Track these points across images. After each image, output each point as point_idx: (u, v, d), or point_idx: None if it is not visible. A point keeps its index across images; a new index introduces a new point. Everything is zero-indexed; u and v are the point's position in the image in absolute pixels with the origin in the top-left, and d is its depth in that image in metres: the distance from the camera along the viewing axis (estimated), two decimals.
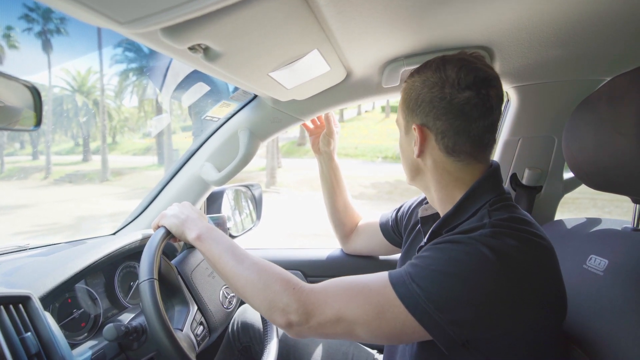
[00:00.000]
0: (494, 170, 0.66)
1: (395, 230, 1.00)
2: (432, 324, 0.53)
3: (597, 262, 0.68)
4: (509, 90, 1.00)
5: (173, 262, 0.87)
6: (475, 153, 0.65)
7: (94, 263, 0.79)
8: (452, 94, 0.61)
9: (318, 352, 0.99)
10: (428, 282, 0.54)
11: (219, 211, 1.20)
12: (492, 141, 0.66)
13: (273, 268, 0.66)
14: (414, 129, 0.66)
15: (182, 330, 0.75)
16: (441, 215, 0.70)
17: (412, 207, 0.94)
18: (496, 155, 1.10)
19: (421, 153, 0.67)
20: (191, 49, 0.54)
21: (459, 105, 0.61)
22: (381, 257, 1.20)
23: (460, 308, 0.52)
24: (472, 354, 0.56)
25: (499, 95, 0.64)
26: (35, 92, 0.53)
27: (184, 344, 0.66)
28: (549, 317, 0.56)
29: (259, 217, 1.34)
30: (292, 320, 0.60)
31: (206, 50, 0.56)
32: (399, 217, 0.98)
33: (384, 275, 0.60)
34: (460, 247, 0.55)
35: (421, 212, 0.80)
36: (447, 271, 0.54)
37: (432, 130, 0.65)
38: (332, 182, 1.12)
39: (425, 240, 0.68)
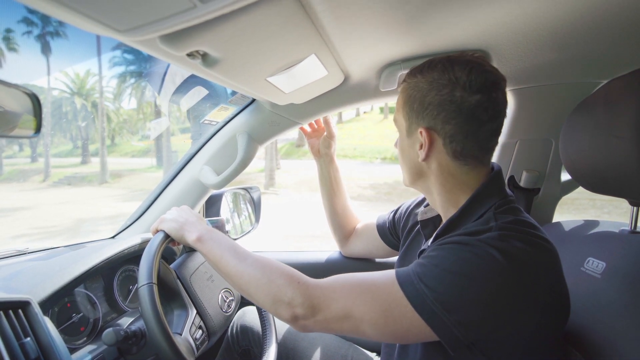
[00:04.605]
0: (497, 174, 0.66)
1: (392, 232, 1.00)
2: (439, 324, 0.53)
3: (594, 265, 0.68)
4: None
5: (172, 266, 0.87)
6: (481, 156, 0.64)
7: (93, 267, 0.79)
8: (463, 97, 0.60)
9: (317, 355, 0.99)
10: (436, 282, 0.54)
11: (217, 214, 1.20)
12: (496, 144, 0.66)
13: (276, 264, 0.65)
14: (420, 132, 0.64)
15: (181, 335, 0.76)
16: (444, 218, 0.70)
17: (410, 208, 0.93)
18: (494, 158, 1.10)
19: (427, 157, 0.65)
20: (189, 55, 0.54)
21: (470, 109, 0.60)
22: (378, 260, 1.20)
23: (468, 308, 0.52)
24: (475, 356, 0.56)
25: (506, 98, 0.64)
26: (34, 99, 0.54)
27: (183, 348, 0.66)
28: (553, 320, 0.56)
29: (257, 219, 1.34)
30: (298, 314, 0.59)
31: (204, 57, 0.56)
32: (396, 219, 0.98)
33: (390, 273, 0.59)
34: (469, 249, 0.55)
35: (420, 216, 0.79)
36: (455, 271, 0.54)
37: (439, 134, 0.63)
38: (332, 185, 1.13)
39: (428, 243, 0.68)
